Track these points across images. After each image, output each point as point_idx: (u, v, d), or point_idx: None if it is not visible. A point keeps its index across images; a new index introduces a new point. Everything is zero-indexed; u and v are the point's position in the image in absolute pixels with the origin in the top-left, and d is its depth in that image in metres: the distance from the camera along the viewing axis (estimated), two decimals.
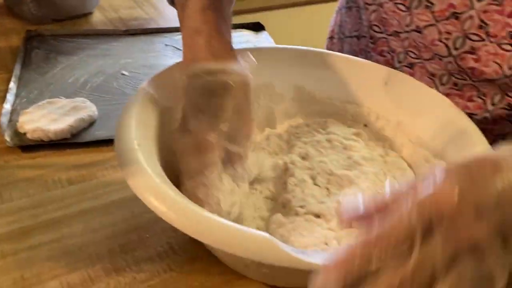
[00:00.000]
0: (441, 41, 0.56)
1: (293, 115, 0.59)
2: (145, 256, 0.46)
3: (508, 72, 0.53)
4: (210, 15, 0.47)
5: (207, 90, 0.45)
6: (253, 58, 0.48)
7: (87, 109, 0.65)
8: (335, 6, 0.80)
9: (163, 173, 0.39)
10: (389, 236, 0.26)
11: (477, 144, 0.45)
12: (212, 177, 0.43)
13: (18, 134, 0.60)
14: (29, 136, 0.60)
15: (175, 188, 0.37)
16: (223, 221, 0.33)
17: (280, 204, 0.46)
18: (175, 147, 0.44)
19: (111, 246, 0.47)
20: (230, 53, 0.48)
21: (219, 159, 0.44)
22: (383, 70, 0.56)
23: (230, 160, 0.46)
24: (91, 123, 0.64)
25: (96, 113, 0.65)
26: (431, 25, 0.56)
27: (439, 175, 0.28)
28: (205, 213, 0.34)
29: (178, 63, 0.53)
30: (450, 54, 0.56)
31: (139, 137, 0.41)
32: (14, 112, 0.64)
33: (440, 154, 0.47)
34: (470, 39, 0.54)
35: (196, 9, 0.47)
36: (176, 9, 0.52)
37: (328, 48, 0.81)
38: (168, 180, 0.38)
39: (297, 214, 0.44)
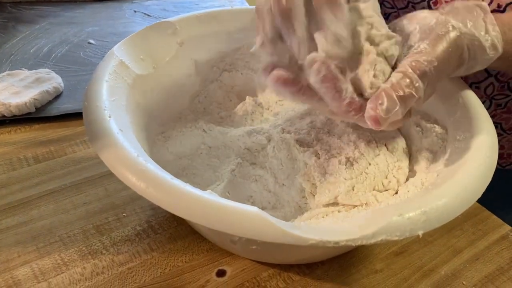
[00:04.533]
0: None
1: None
2: (123, 236, 0.43)
3: None
4: None
5: None
6: None
7: (52, 80, 0.60)
8: None
9: (139, 146, 0.36)
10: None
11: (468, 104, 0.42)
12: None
13: None
14: None
15: (153, 161, 0.34)
16: (209, 195, 0.30)
17: None
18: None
19: (85, 228, 0.43)
20: None
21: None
22: None
23: None
24: (57, 95, 0.59)
25: (62, 84, 0.60)
26: None
27: None
28: (189, 187, 0.31)
29: (149, 26, 0.48)
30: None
31: (110, 107, 0.37)
32: None
33: (429, 115, 0.45)
34: None
35: None
36: None
37: None
38: (145, 153, 0.35)
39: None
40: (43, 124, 0.56)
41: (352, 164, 0.41)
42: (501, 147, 0.61)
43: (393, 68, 0.35)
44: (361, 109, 0.33)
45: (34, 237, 0.42)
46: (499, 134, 0.59)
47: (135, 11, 0.82)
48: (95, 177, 0.49)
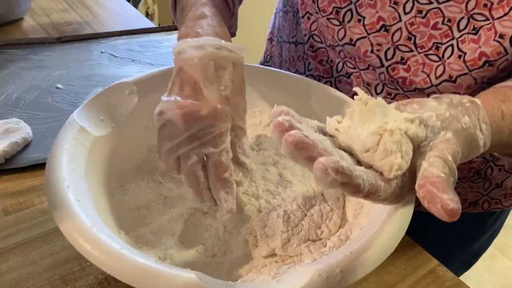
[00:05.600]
0: (373, 53, 0.58)
1: None
2: (86, 286, 0.47)
3: (435, 81, 0.56)
4: (213, 10, 0.52)
5: (213, 62, 0.45)
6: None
7: (21, 130, 0.64)
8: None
9: (95, 214, 0.40)
10: None
11: None
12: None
13: None
14: None
15: (108, 230, 0.38)
16: (153, 263, 0.35)
17: None
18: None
19: (52, 278, 0.47)
20: (229, 36, 0.51)
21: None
22: (307, 83, 0.58)
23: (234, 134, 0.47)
24: (26, 145, 0.63)
25: (31, 134, 0.64)
26: (363, 37, 0.58)
27: None
28: (135, 256, 0.35)
29: (107, 88, 0.53)
30: (382, 65, 0.58)
31: (69, 177, 0.42)
32: None
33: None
34: (400, 50, 0.56)
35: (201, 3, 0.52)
36: (176, 12, 0.57)
37: (268, 50, 0.82)
38: (100, 222, 0.39)
39: None
40: (12, 175, 0.59)
41: (289, 217, 0.46)
42: (458, 193, 0.66)
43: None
44: (379, 189, 0.33)
45: None
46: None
47: (102, 52, 0.86)
48: None
